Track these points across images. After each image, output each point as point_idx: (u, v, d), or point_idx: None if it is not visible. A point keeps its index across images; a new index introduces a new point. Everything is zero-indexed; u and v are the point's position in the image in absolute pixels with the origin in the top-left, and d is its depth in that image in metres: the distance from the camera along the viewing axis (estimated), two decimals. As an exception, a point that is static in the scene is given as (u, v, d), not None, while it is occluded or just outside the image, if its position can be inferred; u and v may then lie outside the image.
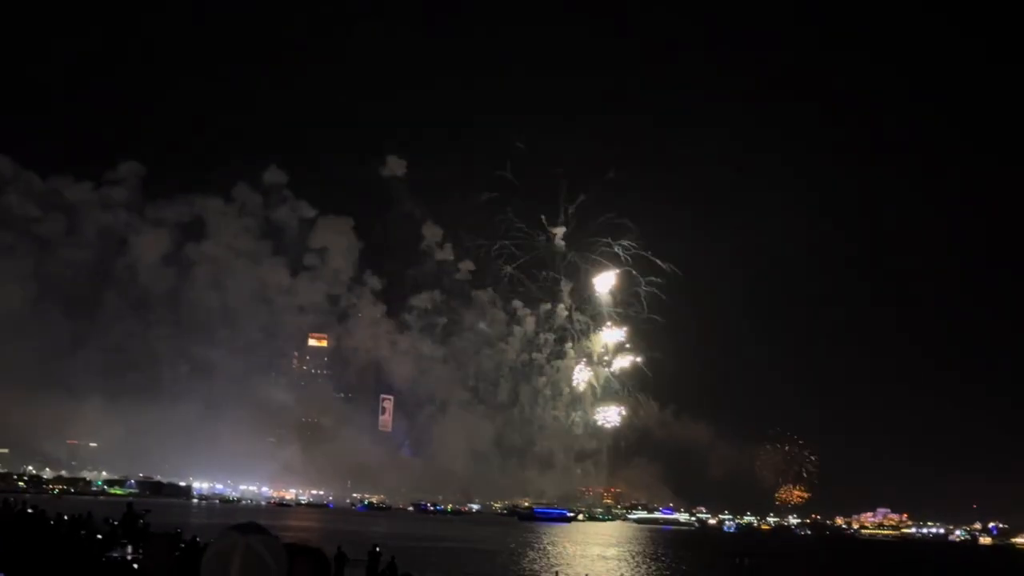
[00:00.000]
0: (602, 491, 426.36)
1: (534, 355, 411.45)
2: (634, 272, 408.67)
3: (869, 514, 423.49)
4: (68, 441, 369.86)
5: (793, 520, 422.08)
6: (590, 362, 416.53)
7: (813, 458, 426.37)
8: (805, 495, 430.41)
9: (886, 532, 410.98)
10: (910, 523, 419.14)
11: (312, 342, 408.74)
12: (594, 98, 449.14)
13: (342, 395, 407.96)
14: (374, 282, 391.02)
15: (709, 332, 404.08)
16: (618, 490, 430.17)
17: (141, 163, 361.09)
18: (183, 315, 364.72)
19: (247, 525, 7.28)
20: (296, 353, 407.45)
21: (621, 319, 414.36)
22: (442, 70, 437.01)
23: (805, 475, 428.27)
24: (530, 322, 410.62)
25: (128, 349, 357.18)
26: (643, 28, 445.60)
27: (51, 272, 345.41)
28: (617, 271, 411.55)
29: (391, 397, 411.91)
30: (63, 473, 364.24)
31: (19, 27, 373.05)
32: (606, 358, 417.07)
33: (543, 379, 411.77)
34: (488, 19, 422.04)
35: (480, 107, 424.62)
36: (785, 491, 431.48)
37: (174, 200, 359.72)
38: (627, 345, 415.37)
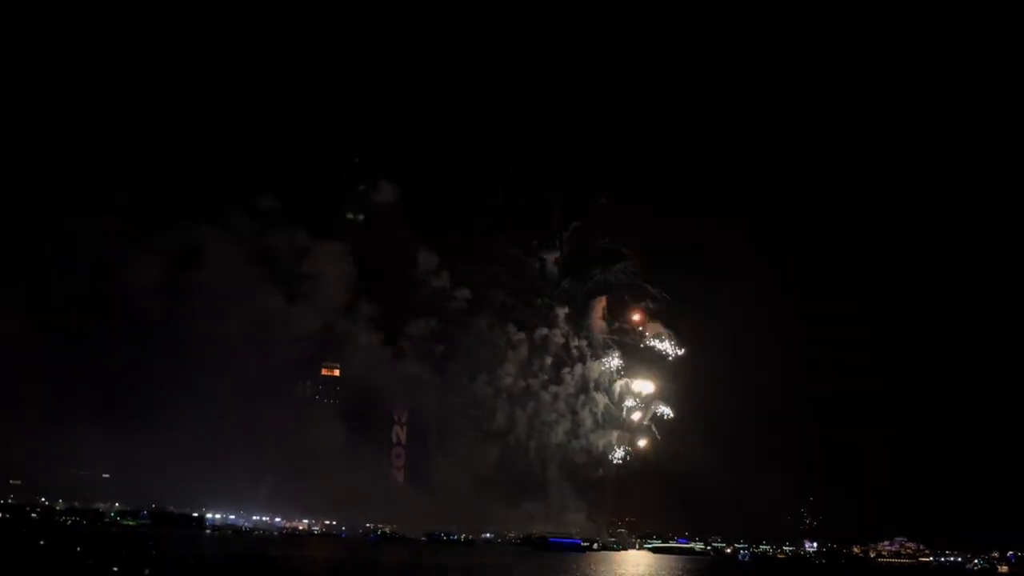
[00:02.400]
0: (615, 520, 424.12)
1: (530, 381, 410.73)
2: (627, 298, 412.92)
3: (886, 543, 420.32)
4: (80, 472, 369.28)
5: (809, 548, 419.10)
6: (588, 388, 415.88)
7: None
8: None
9: (903, 561, 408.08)
10: (927, 552, 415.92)
11: (324, 371, 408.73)
12: (590, 123, 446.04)
13: (354, 424, 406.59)
14: (370, 309, 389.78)
15: (707, 359, 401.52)
16: (631, 519, 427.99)
17: (135, 190, 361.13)
18: (184, 344, 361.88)
19: None
20: (309, 382, 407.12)
21: (618, 345, 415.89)
22: (435, 94, 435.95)
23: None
24: (525, 349, 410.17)
25: (135, 379, 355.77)
26: (634, 52, 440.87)
27: (47, 302, 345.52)
28: (609, 297, 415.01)
29: (403, 427, 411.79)
30: (76, 504, 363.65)
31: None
32: (606, 385, 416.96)
33: (543, 406, 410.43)
34: (479, 45, 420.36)
35: (473, 133, 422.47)
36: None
37: (169, 227, 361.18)
38: (622, 372, 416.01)
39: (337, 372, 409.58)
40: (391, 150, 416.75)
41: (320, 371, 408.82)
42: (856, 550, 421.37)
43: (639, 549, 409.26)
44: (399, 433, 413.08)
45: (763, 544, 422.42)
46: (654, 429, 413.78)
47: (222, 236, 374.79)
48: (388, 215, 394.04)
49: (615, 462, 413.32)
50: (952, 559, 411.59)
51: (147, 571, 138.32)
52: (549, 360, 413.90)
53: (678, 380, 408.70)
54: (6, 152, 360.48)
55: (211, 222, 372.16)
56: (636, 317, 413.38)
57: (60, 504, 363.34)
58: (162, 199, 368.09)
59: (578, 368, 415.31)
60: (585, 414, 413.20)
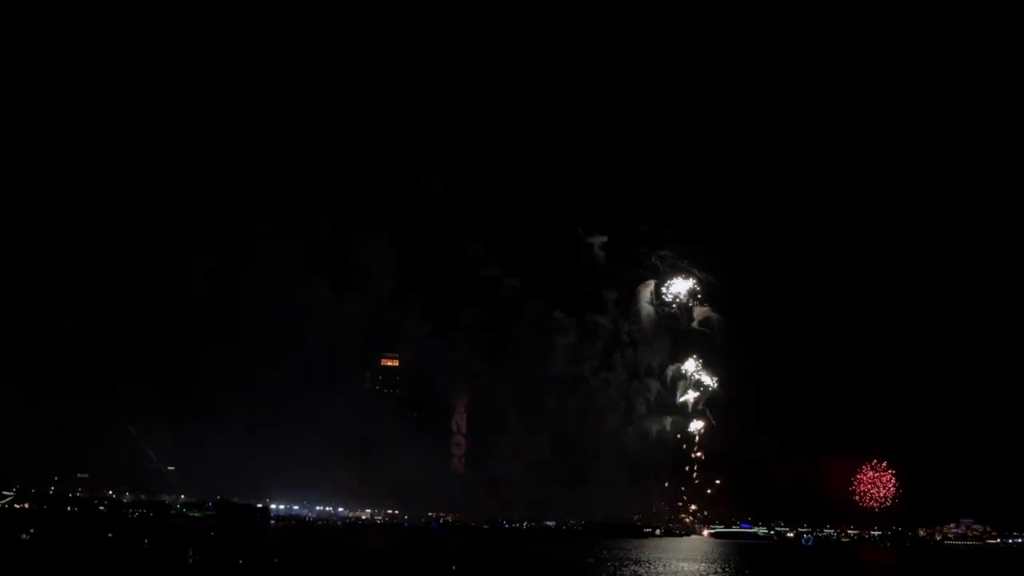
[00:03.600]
0: (677, 505, 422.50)
1: (581, 367, 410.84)
2: (672, 281, 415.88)
3: (952, 525, 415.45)
4: (146, 465, 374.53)
5: (875, 532, 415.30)
6: (640, 374, 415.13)
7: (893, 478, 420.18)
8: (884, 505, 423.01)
9: (969, 543, 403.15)
10: (994, 534, 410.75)
11: (384, 361, 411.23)
12: (631, 107, 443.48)
13: (414, 413, 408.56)
14: (419, 299, 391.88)
15: (755, 341, 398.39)
16: (694, 504, 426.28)
17: (183, 185, 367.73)
18: (238, 338, 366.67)
19: None
20: (368, 373, 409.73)
21: (667, 331, 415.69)
22: (475, 84, 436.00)
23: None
24: (574, 335, 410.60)
25: (194, 373, 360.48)
26: (669, 32, 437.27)
27: (103, 298, 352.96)
28: (655, 281, 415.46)
29: (463, 416, 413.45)
30: (142, 497, 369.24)
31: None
32: (657, 370, 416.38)
33: (594, 392, 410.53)
34: (520, 30, 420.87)
35: (514, 121, 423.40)
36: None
37: (218, 222, 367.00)
38: (673, 358, 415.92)
39: (396, 362, 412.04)
40: (433, 140, 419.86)
41: (380, 361, 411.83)
42: (922, 532, 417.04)
43: (702, 535, 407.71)
44: (459, 422, 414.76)
45: (827, 528, 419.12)
46: (709, 414, 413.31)
47: (270, 230, 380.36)
48: (433, 205, 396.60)
49: (672, 447, 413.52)
50: (1020, 540, 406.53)
51: (190, 551, 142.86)
52: (599, 345, 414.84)
53: (729, 364, 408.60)
54: (60, 154, 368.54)
55: (259, 216, 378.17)
56: (683, 300, 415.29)
57: (127, 497, 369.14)
58: (211, 194, 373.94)
59: (628, 353, 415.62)
60: (638, 400, 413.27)
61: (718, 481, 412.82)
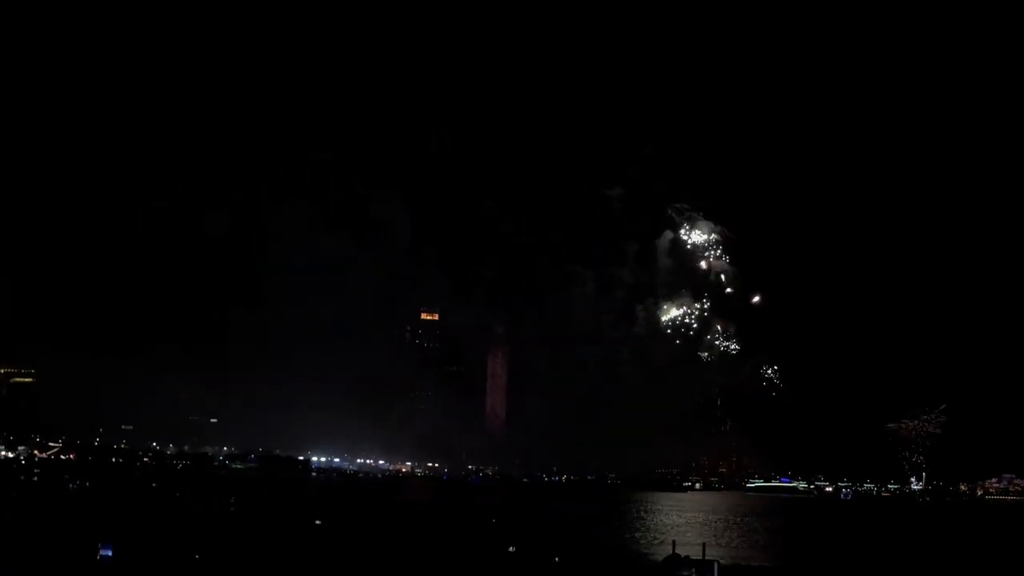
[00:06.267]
0: (716, 460, 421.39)
1: (600, 320, 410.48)
2: (692, 235, 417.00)
3: (994, 480, 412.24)
4: (189, 417, 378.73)
5: (915, 486, 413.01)
6: (662, 325, 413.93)
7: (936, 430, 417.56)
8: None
9: (1010, 498, 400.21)
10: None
11: (424, 316, 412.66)
12: (648, 60, 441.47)
13: (454, 368, 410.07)
14: (434, 252, 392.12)
15: (778, 292, 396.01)
16: (733, 458, 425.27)
17: (199, 146, 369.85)
18: (267, 293, 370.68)
19: None
20: (409, 327, 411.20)
21: (687, 282, 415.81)
22: (486, 43, 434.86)
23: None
24: (592, 287, 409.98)
25: (234, 329, 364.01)
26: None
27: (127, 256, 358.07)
28: (672, 234, 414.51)
29: (501, 370, 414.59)
30: (185, 448, 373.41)
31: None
32: (680, 322, 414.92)
33: (618, 344, 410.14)
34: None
35: (525, 77, 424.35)
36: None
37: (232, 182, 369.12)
38: (687, 310, 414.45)
39: (436, 316, 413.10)
40: (446, 97, 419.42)
41: (420, 315, 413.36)
42: (963, 487, 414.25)
43: (742, 489, 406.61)
44: (497, 376, 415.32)
45: (867, 483, 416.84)
46: (735, 366, 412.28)
47: (287, 188, 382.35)
48: (447, 164, 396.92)
49: (701, 401, 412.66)
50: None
51: (232, 499, 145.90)
52: (621, 295, 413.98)
53: (753, 315, 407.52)
54: (82, 114, 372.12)
55: (274, 174, 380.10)
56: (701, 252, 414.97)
57: (171, 448, 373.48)
58: (227, 153, 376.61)
59: (650, 304, 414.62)
60: (660, 353, 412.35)
61: (760, 436, 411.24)
